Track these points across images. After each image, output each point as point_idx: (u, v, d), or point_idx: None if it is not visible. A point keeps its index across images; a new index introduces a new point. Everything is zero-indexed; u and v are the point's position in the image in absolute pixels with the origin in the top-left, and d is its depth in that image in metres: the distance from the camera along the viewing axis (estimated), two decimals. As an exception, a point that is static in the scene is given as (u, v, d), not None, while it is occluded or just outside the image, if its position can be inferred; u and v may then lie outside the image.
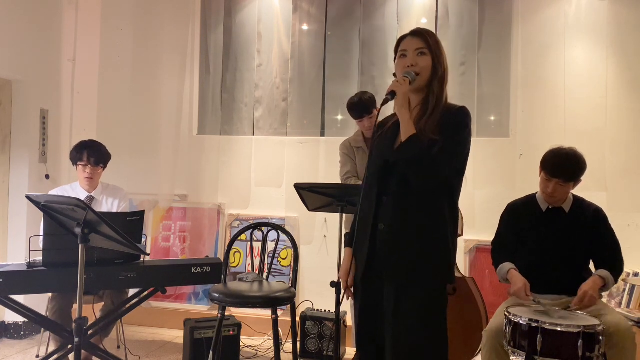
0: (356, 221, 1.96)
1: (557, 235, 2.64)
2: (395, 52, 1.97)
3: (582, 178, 2.62)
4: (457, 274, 3.09)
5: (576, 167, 2.56)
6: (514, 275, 2.57)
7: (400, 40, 1.95)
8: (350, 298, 1.99)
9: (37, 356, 3.55)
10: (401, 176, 1.82)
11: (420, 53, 1.87)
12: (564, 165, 2.55)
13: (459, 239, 2.42)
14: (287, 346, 3.77)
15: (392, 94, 1.81)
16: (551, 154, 2.60)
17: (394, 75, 1.98)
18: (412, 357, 1.77)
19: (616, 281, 2.55)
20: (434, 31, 4.04)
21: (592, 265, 2.68)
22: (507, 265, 2.63)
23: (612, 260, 2.58)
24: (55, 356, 2.82)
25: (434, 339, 1.79)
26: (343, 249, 2.86)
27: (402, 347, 1.77)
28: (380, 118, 2.08)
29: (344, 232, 3.30)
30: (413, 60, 1.87)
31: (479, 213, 3.81)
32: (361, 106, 3.23)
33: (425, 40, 1.88)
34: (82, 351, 2.34)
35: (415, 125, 1.81)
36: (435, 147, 1.76)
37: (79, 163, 3.28)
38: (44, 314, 3.02)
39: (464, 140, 1.83)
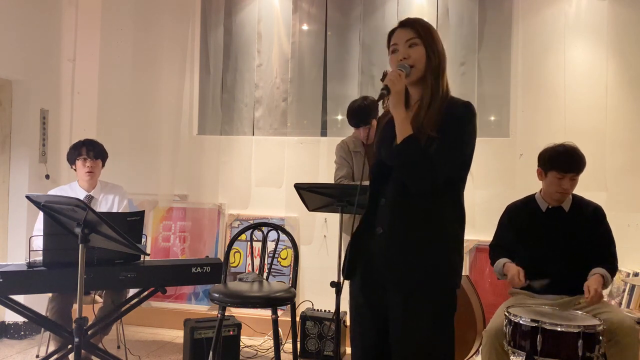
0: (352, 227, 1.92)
1: (557, 234, 2.64)
2: (388, 47, 1.84)
3: (582, 178, 2.62)
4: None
5: (583, 158, 2.58)
6: (508, 266, 2.59)
7: (391, 34, 1.82)
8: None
9: (37, 356, 3.55)
10: (399, 177, 1.73)
11: (411, 44, 1.75)
12: (573, 157, 2.56)
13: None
14: (287, 346, 3.77)
15: (387, 89, 1.69)
16: (555, 152, 2.58)
17: (383, 75, 1.89)
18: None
19: (612, 279, 2.56)
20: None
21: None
22: (503, 260, 2.66)
23: (607, 257, 2.58)
24: (55, 356, 2.82)
25: (443, 344, 1.73)
26: (343, 255, 2.86)
27: (411, 355, 1.70)
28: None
29: (344, 233, 3.31)
30: (405, 53, 1.75)
31: (479, 213, 3.81)
32: (359, 116, 3.14)
33: (415, 30, 1.76)
34: (82, 351, 2.34)
35: (413, 120, 1.71)
36: (433, 146, 1.65)
37: (77, 158, 3.28)
38: (44, 314, 3.02)
39: (466, 137, 1.71)
